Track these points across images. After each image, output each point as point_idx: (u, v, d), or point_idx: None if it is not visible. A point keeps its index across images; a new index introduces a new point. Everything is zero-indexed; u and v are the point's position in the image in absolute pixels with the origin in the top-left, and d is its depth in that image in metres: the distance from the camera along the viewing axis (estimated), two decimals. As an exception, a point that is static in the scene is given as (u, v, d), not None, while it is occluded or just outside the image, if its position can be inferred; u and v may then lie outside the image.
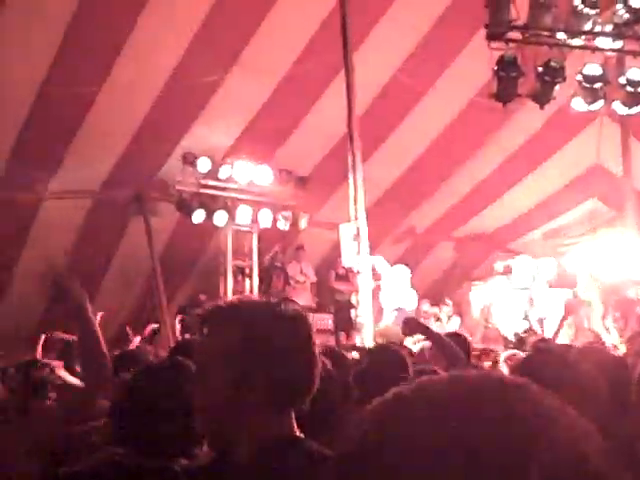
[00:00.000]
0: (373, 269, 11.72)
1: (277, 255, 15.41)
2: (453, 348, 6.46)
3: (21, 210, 12.83)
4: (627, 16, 9.93)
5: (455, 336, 6.94)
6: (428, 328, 6.61)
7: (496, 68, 9.68)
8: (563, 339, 11.94)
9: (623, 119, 12.03)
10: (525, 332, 11.61)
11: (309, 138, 13.07)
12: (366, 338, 10.27)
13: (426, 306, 14.68)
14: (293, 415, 2.07)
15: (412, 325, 6.21)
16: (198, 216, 13.35)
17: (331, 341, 12.64)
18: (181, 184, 13.21)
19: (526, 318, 12.93)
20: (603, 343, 8.70)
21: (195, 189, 13.32)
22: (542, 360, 3.08)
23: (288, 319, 2.08)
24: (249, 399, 2.00)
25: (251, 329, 2.03)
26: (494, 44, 9.63)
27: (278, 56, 11.81)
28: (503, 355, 7.33)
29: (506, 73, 9.64)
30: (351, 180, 10.80)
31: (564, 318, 9.06)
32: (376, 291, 12.03)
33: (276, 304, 2.12)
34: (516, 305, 13.26)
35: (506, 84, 9.72)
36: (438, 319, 14.56)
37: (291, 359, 2.04)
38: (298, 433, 2.08)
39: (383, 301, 12.84)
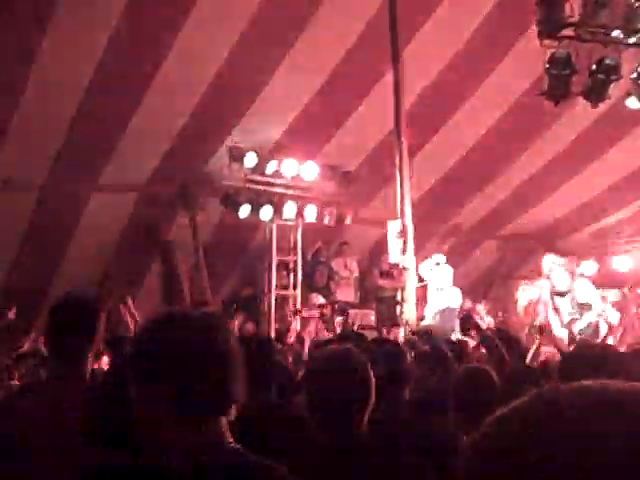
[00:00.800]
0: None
1: (321, 250, 15.43)
2: (500, 348, 6.45)
3: (71, 202, 12.96)
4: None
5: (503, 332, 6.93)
6: (480, 327, 6.60)
7: (548, 66, 9.57)
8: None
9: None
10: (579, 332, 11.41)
11: (356, 134, 13.04)
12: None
13: (468, 304, 14.61)
14: (224, 422, 2.18)
15: (470, 322, 6.26)
16: (244, 211, 13.39)
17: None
18: (228, 179, 13.24)
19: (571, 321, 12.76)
20: None
21: (242, 184, 13.35)
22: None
23: (204, 330, 2.20)
24: (177, 409, 2.12)
25: (171, 345, 2.16)
26: (546, 42, 9.53)
27: (326, 53, 11.77)
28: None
29: (558, 71, 9.53)
30: (398, 177, 10.78)
31: (622, 320, 8.94)
32: (420, 290, 12.01)
33: (191, 316, 2.25)
34: (561, 306, 13.09)
35: (558, 82, 9.61)
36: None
37: (210, 369, 2.15)
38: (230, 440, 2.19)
39: (428, 300, 12.78)
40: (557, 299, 12.18)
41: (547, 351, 7.72)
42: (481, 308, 14.63)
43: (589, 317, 11.71)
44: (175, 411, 2.10)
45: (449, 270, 12.94)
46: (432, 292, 12.78)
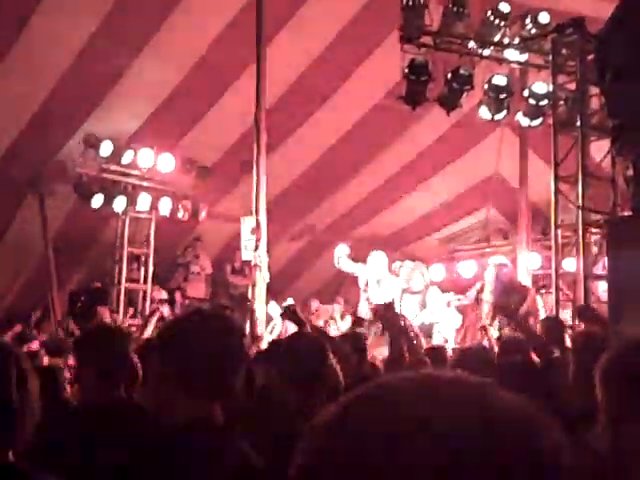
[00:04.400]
0: None
1: (187, 250, 15.35)
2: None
3: None
4: (534, 31, 10.26)
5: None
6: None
7: (407, 71, 9.84)
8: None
9: (522, 131, 12.37)
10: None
11: (215, 129, 12.97)
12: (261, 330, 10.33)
13: (315, 304, 14.77)
14: (217, 404, 2.53)
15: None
16: (97, 200, 13.09)
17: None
18: (81, 166, 12.93)
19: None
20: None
21: (95, 172, 13.06)
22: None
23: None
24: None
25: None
26: (406, 47, 9.79)
27: (189, 44, 11.68)
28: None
29: (416, 77, 9.82)
30: (254, 173, 10.80)
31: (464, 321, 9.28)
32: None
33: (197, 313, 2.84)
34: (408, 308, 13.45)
35: (416, 88, 9.90)
36: (332, 318, 14.64)
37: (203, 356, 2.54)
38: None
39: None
40: (406, 297, 12.54)
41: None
42: (338, 308, 14.86)
43: (423, 317, 12.19)
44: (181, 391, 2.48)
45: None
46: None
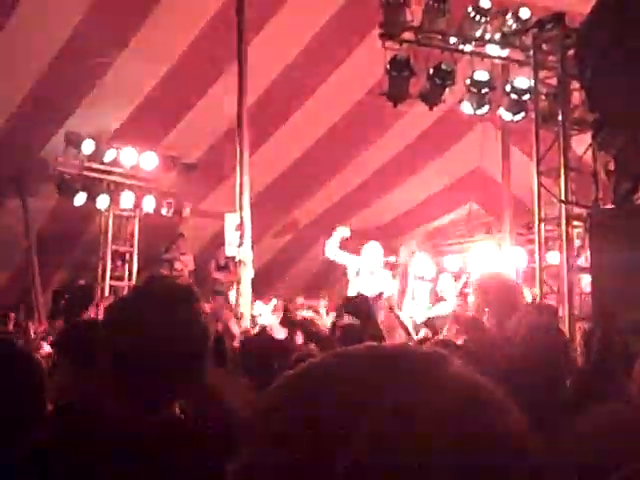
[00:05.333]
0: None
1: (171, 247, 15.31)
2: None
3: None
4: (515, 26, 10.29)
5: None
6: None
7: (388, 67, 9.85)
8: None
9: (504, 126, 12.41)
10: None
11: (198, 126, 12.97)
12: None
13: (300, 300, 14.77)
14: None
15: None
16: (80, 198, 13.07)
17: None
18: (63, 165, 12.89)
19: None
20: None
21: (77, 171, 13.02)
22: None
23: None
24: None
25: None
26: (388, 44, 9.81)
27: (171, 42, 11.66)
28: None
29: (398, 73, 9.83)
30: (238, 170, 10.80)
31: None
32: None
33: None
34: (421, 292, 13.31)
35: (398, 84, 9.91)
36: (316, 312, 14.63)
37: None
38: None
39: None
40: (418, 284, 12.42)
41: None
42: (323, 303, 14.84)
43: (441, 309, 11.96)
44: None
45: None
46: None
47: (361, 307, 5.96)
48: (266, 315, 13.35)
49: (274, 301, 13.99)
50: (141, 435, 2.08)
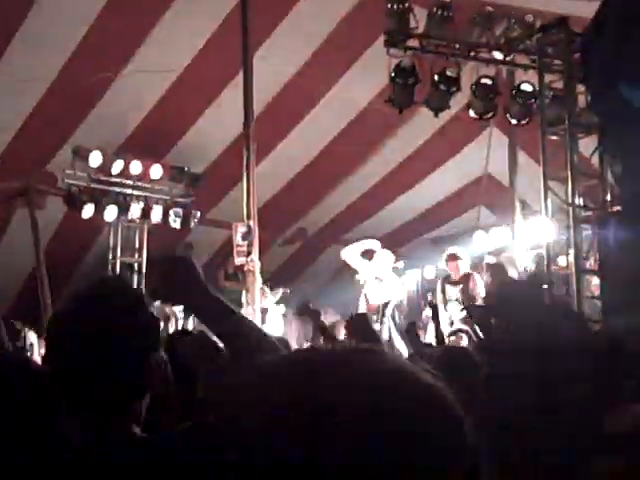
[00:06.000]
0: None
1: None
2: None
3: None
4: (520, 31, 10.31)
5: None
6: None
7: (393, 75, 9.87)
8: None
9: (511, 130, 12.41)
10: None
11: (205, 136, 13.00)
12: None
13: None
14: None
15: None
16: (88, 211, 13.08)
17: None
18: (71, 177, 12.92)
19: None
20: None
21: (85, 183, 13.06)
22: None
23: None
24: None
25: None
26: (392, 51, 9.83)
27: (175, 54, 11.70)
28: None
29: (403, 80, 9.86)
30: (245, 179, 10.81)
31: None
32: None
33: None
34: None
35: (402, 91, 9.94)
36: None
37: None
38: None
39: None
40: (448, 288, 12.31)
41: None
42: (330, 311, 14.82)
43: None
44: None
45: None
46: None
47: (359, 327, 5.78)
48: (271, 305, 13.43)
49: (279, 291, 14.06)
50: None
